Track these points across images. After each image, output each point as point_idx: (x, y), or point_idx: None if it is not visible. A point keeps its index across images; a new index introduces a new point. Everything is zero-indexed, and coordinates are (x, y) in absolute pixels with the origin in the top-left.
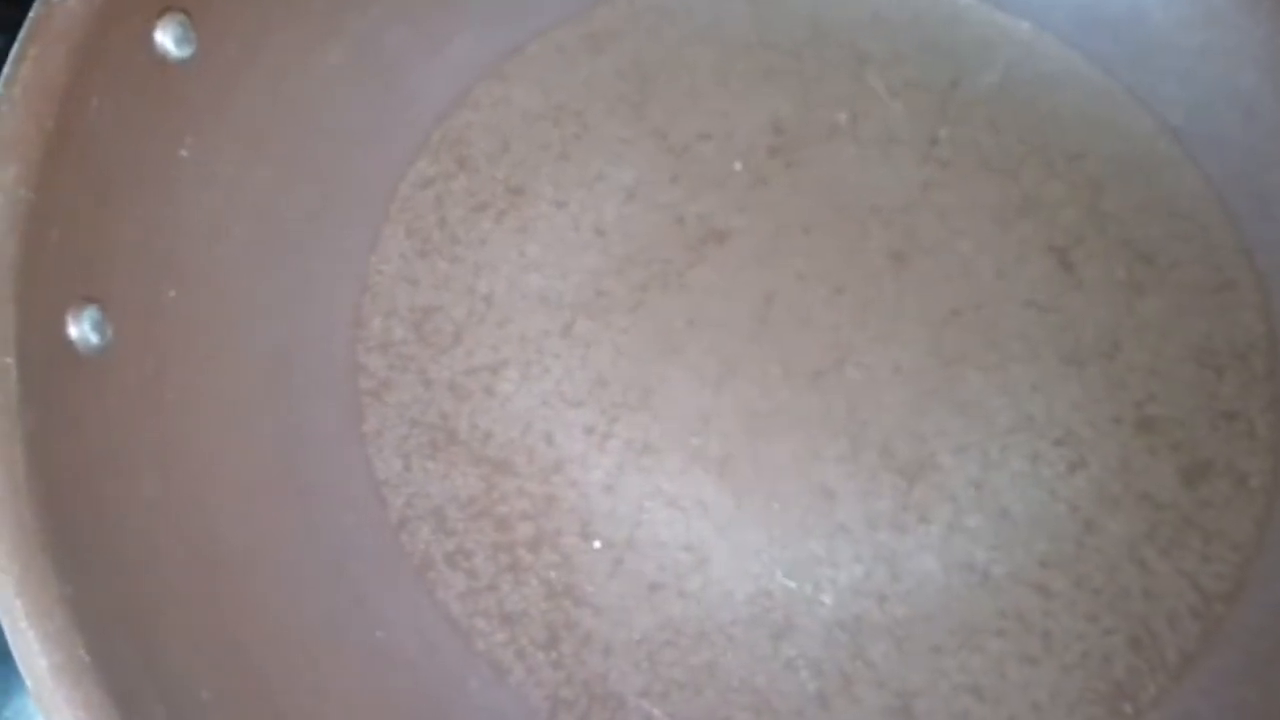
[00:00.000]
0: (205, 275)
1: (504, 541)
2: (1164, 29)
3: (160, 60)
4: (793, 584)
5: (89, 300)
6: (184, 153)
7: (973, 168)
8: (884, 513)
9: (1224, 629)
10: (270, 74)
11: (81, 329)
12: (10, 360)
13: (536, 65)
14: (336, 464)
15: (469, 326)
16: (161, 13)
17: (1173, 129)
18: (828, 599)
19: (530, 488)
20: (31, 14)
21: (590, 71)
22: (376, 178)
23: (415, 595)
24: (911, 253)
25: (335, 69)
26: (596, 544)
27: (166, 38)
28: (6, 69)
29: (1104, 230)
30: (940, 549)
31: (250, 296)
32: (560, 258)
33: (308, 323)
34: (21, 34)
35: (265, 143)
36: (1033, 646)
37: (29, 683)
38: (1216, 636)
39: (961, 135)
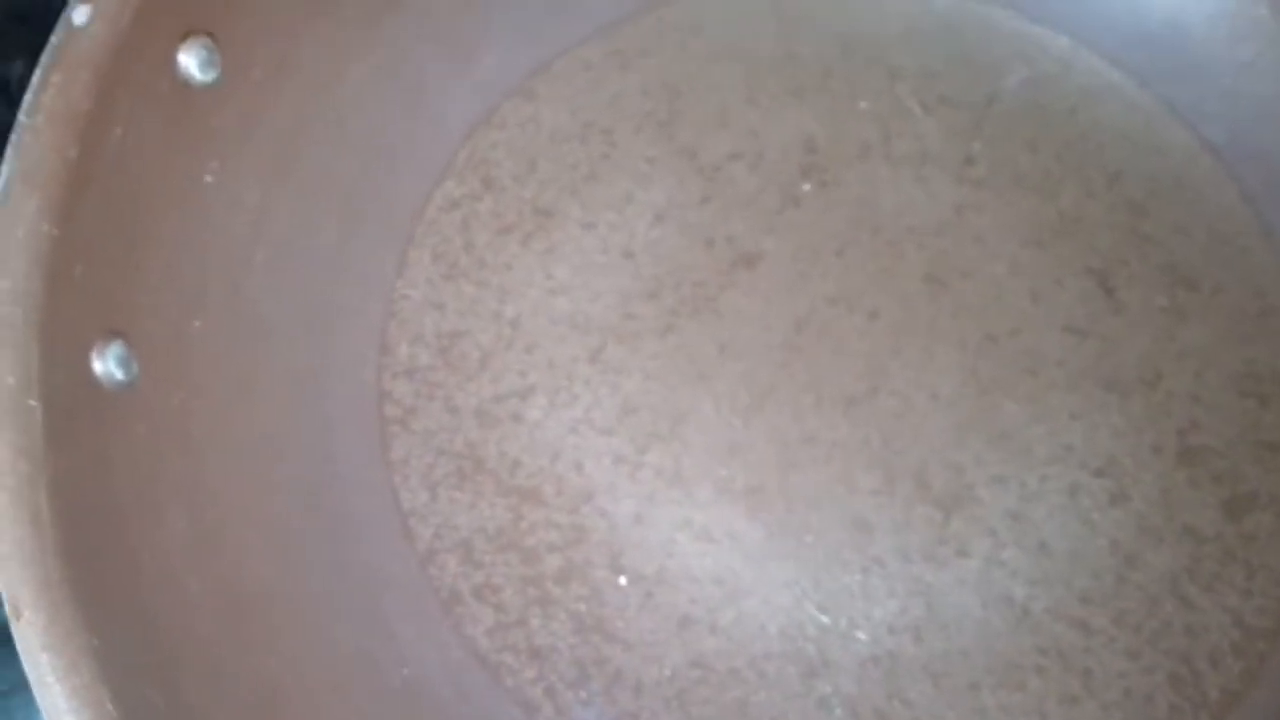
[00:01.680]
0: (231, 303)
1: (532, 574)
2: (1206, 45)
3: (184, 85)
4: (826, 619)
5: (114, 335)
6: (209, 178)
7: (1008, 187)
8: (920, 546)
9: (1267, 666)
10: (296, 97)
11: (107, 365)
12: (35, 402)
13: (564, 84)
14: (363, 495)
15: (496, 352)
16: (185, 36)
17: (1214, 147)
18: (862, 634)
19: (559, 519)
20: (53, 40)
21: (618, 90)
22: (403, 200)
23: (443, 630)
24: (946, 276)
25: (362, 91)
26: (622, 580)
27: (191, 62)
28: (28, 97)
29: (1144, 253)
30: (978, 583)
31: (276, 324)
32: (588, 281)
33: (334, 349)
34: (43, 60)
35: (291, 166)
36: (1073, 685)
37: None
38: (1260, 674)
39: (997, 153)
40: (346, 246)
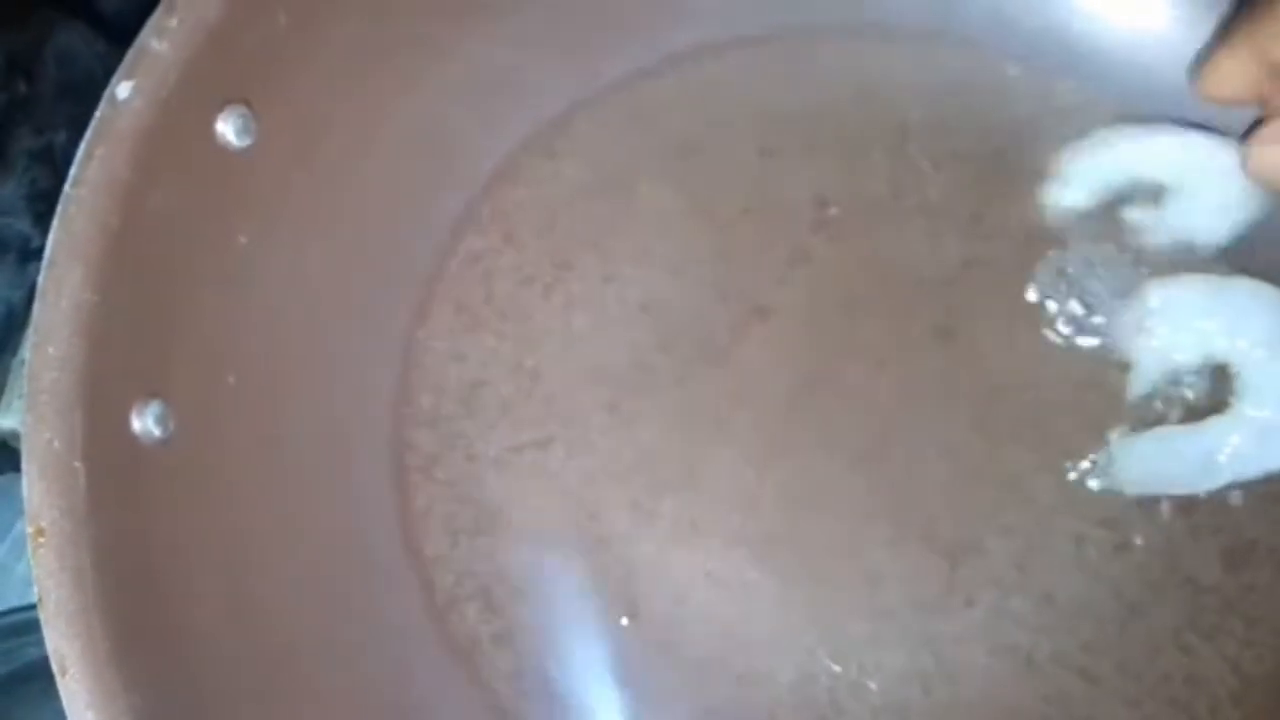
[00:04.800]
0: (263, 359)
1: (550, 622)
2: None
3: (221, 151)
4: (838, 668)
5: (153, 394)
6: (243, 239)
7: (1016, 241)
8: (928, 596)
9: (1264, 715)
10: (328, 158)
11: (145, 423)
12: (79, 464)
13: (584, 140)
14: (386, 544)
15: (516, 402)
16: (223, 105)
17: None
18: (873, 683)
19: (575, 566)
20: (97, 114)
21: (636, 146)
22: (427, 255)
23: (463, 678)
24: (955, 329)
25: (391, 151)
26: (637, 627)
27: (228, 129)
28: (73, 170)
29: None
30: (984, 633)
31: (305, 377)
32: (606, 332)
33: (359, 401)
34: (88, 134)
35: (321, 224)
36: None
37: None
38: None
39: (1005, 208)
40: (373, 301)
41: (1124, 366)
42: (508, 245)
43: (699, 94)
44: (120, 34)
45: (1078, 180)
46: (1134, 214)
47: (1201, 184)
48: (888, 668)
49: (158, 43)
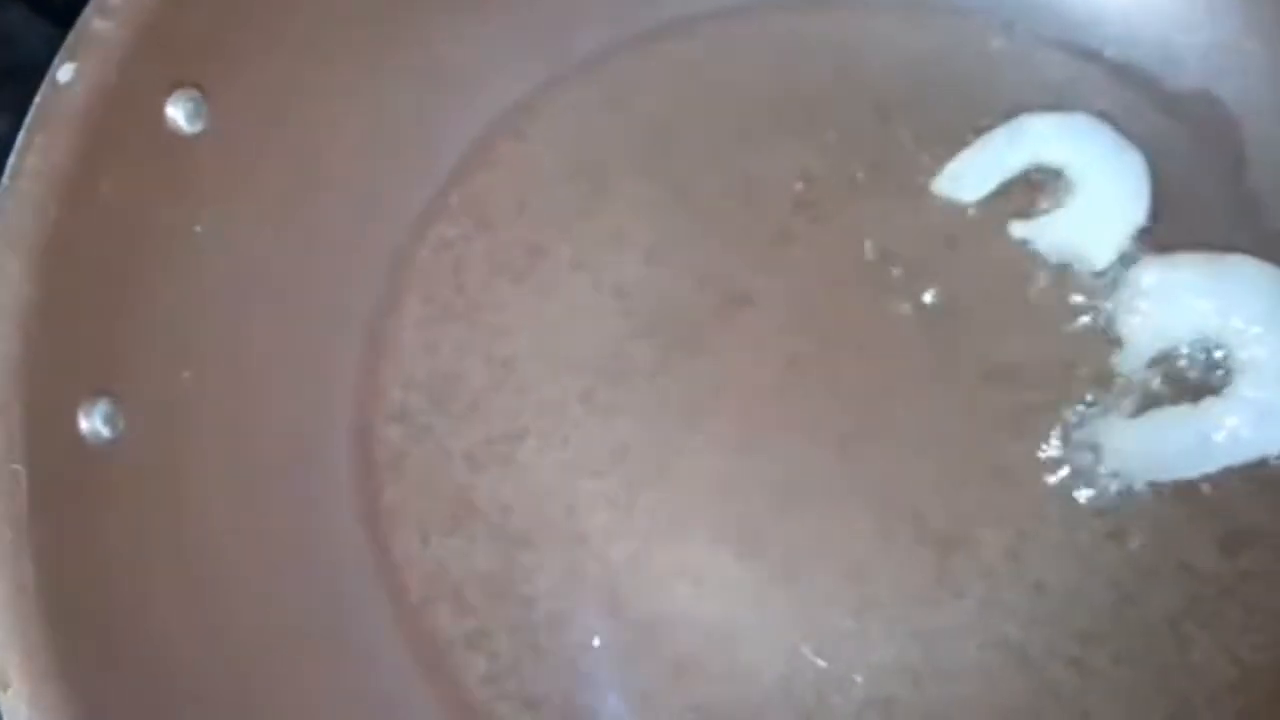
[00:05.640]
0: (221, 353)
1: (525, 621)
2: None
3: (171, 137)
4: (823, 663)
5: (101, 392)
6: (199, 229)
7: (1003, 221)
8: (916, 587)
9: (1265, 705)
10: (288, 145)
11: (93, 423)
12: (19, 466)
13: (554, 122)
14: (354, 542)
15: (488, 394)
16: (173, 89)
17: None
18: (859, 678)
19: (552, 564)
20: (38, 98)
21: (609, 128)
22: (396, 243)
23: (436, 679)
24: (941, 310)
25: (353, 135)
26: (616, 626)
27: (178, 113)
28: (12, 159)
29: None
30: (975, 625)
31: (266, 371)
32: (580, 320)
33: (324, 396)
34: (28, 121)
35: (282, 213)
36: None
37: None
38: (1258, 713)
39: None
40: (338, 291)
41: (1117, 348)
42: (478, 232)
43: (672, 71)
44: (64, 15)
45: (970, 173)
46: (1022, 228)
47: (1103, 180)
48: (875, 662)
49: (102, 22)
